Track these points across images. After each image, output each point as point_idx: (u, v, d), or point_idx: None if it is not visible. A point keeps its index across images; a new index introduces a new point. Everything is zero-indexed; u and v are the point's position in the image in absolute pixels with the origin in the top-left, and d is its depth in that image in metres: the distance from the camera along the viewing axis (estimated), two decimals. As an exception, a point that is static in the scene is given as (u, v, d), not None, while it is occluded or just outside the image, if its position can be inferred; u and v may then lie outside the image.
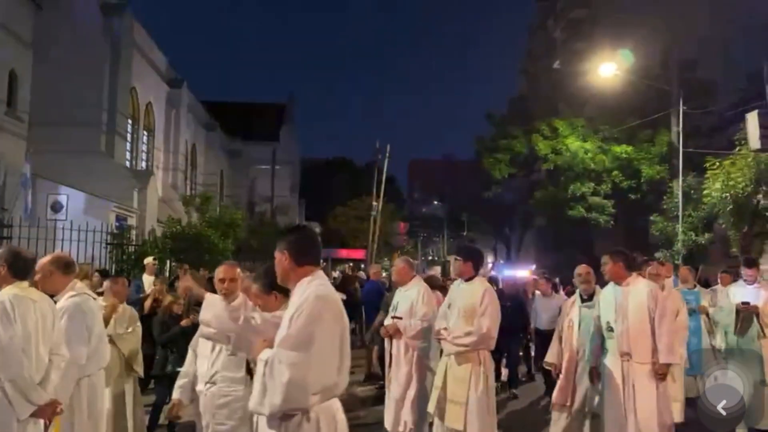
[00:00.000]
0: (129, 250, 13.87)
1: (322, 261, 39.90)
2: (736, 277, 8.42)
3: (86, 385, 4.24)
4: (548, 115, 24.24)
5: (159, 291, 8.40)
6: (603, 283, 5.47)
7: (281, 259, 2.87)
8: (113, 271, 13.23)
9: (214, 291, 4.21)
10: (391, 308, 6.31)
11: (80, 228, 12.30)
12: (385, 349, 6.48)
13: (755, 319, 6.04)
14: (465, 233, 48.72)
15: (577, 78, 25.19)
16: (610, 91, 20.86)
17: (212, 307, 3.28)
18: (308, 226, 3.25)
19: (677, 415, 5.68)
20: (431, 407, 5.31)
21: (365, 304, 11.49)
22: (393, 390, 5.95)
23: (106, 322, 5.23)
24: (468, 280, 5.35)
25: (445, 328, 5.25)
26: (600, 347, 5.18)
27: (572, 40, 35.18)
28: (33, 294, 3.74)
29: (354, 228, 42.30)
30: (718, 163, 15.64)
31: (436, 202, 58.34)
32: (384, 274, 14.39)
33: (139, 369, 5.49)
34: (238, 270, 4.22)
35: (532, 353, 10.11)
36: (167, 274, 13.04)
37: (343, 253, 39.45)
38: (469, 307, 5.15)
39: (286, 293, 3.10)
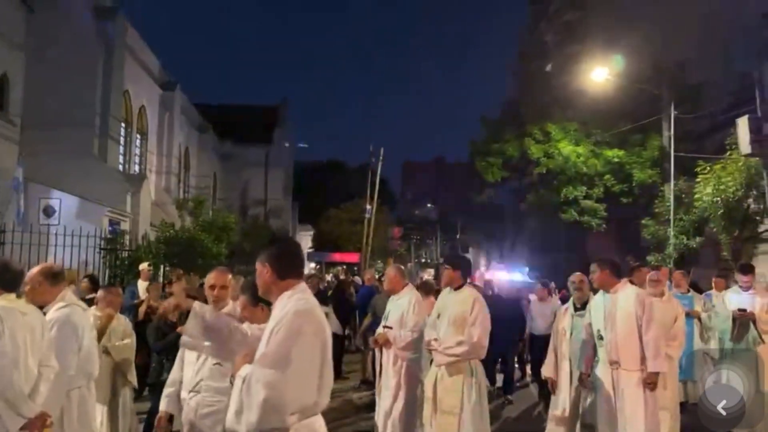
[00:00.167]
0: (122, 256, 13.83)
1: (316, 264, 40.01)
2: (728, 281, 8.50)
3: (76, 396, 4.22)
4: (540, 118, 24.31)
5: (153, 298, 8.41)
6: (596, 290, 5.50)
7: (263, 271, 2.82)
8: (107, 276, 13.22)
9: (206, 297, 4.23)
10: (383, 317, 6.32)
11: (74, 233, 12.25)
12: (376, 357, 6.48)
13: (752, 326, 6.09)
14: (458, 236, 48.85)
15: (570, 81, 25.30)
16: (602, 95, 20.98)
17: (196, 317, 3.23)
18: (291, 239, 3.21)
19: (667, 426, 5.64)
20: (425, 418, 5.28)
21: (360, 309, 11.52)
22: (382, 400, 5.95)
23: (102, 333, 5.23)
24: (457, 288, 5.34)
25: (436, 339, 5.21)
26: (592, 356, 5.20)
27: (564, 43, 35.26)
28: (21, 306, 3.72)
29: (347, 231, 42.30)
30: (709, 168, 15.79)
31: (429, 205, 58.46)
32: (377, 276, 14.41)
33: (133, 379, 5.49)
34: (229, 277, 4.20)
35: (527, 359, 10.13)
36: (161, 279, 13.01)
37: (337, 256, 39.45)
38: (459, 316, 5.13)
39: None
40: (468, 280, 5.68)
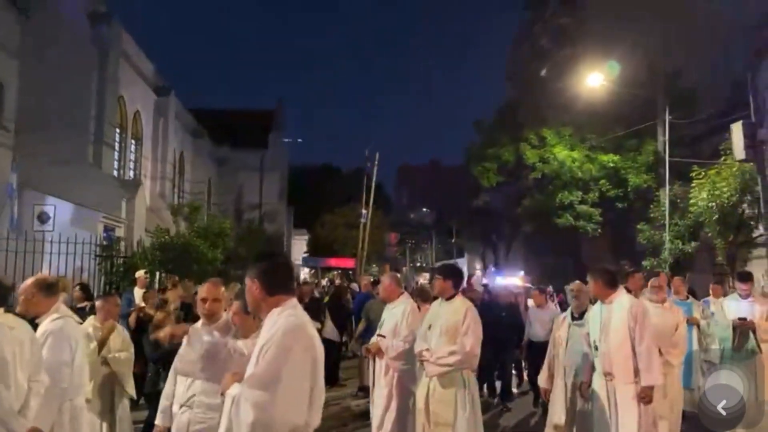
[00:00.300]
0: (118, 263, 13.77)
1: (311, 269, 39.88)
2: (724, 286, 8.51)
3: (68, 409, 4.19)
4: (535, 122, 24.39)
5: (150, 306, 8.38)
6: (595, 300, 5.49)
7: (252, 287, 2.78)
8: (102, 283, 13.15)
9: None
10: (378, 326, 6.30)
11: (69, 241, 12.18)
12: (370, 366, 6.46)
13: (751, 335, 6.09)
14: (453, 240, 48.87)
15: (565, 86, 25.39)
16: (597, 100, 21.06)
17: (193, 344, 3.23)
18: (281, 254, 3.14)
19: None
20: (417, 430, 5.23)
21: (356, 315, 11.50)
22: (375, 409, 5.93)
23: (103, 344, 5.20)
24: (449, 298, 5.31)
25: (428, 349, 5.16)
26: (591, 366, 5.19)
27: (559, 48, 35.40)
28: (10, 320, 3.69)
29: (343, 235, 42.26)
30: (703, 173, 15.86)
31: (424, 210, 58.48)
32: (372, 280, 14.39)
33: (131, 390, 5.47)
34: (222, 289, 4.13)
35: (524, 366, 10.09)
36: (156, 285, 12.95)
37: (333, 262, 39.40)
38: (451, 326, 5.11)
39: None
40: (462, 287, 5.66)
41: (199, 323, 4.04)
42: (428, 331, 5.27)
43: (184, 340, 3.46)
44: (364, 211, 31.59)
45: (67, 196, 16.08)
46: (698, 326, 7.17)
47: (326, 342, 11.24)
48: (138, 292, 9.87)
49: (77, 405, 4.29)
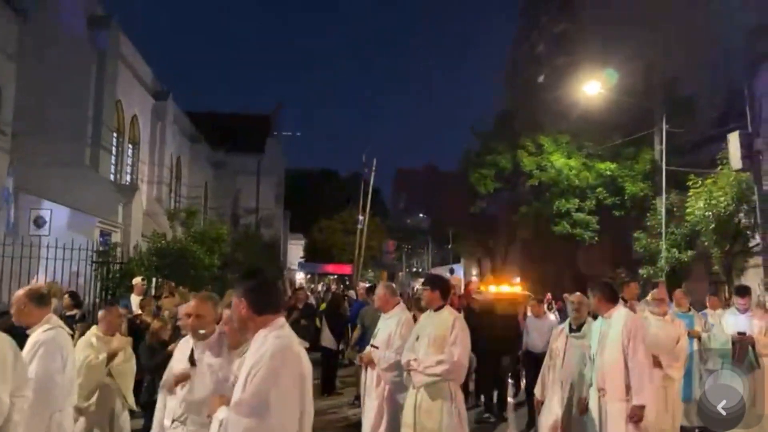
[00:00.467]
0: (114, 268, 13.71)
1: (307, 275, 39.82)
2: (719, 295, 8.51)
3: (57, 420, 4.19)
4: (532, 129, 24.47)
5: (147, 313, 8.36)
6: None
7: (239, 306, 2.72)
8: (98, 289, 13.08)
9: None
10: (372, 335, 6.28)
11: (65, 246, 12.11)
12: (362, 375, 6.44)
13: (750, 349, 6.09)
14: (449, 245, 48.86)
15: (562, 93, 25.47)
16: (594, 108, 21.14)
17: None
18: (266, 272, 3.04)
19: None
20: None
21: (353, 323, 11.47)
22: (365, 421, 5.92)
23: (113, 356, 5.24)
24: (437, 309, 5.31)
25: (415, 359, 5.15)
26: (589, 380, 5.18)
27: (556, 54, 35.52)
28: None
29: (340, 240, 42.23)
30: (700, 182, 15.93)
31: (421, 215, 58.53)
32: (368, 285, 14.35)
33: (132, 401, 5.47)
34: (209, 305, 4.02)
35: (523, 375, 10.04)
36: (153, 291, 12.90)
37: (330, 268, 39.35)
38: (439, 336, 5.09)
39: None
40: (459, 294, 5.64)
41: (188, 337, 4.01)
42: (416, 342, 5.26)
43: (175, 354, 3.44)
44: (361, 217, 31.59)
45: (63, 200, 16.02)
46: (699, 339, 7.15)
47: (324, 351, 11.29)
48: (135, 299, 9.82)
49: (65, 415, 4.30)
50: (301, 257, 46.99)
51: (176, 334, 6.05)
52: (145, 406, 6.33)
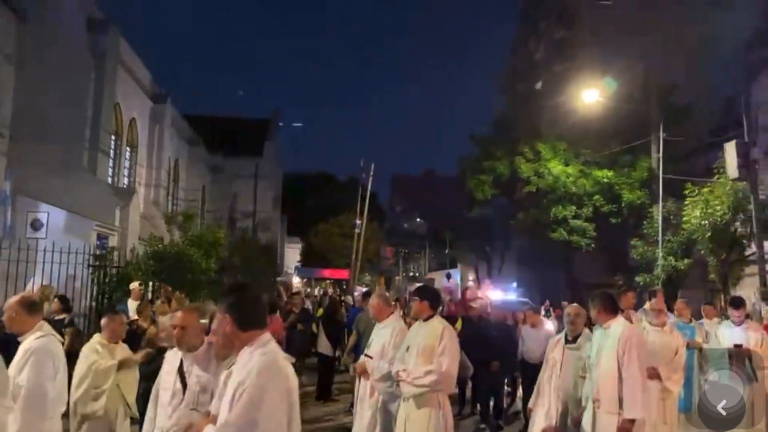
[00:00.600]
0: (111, 272, 13.69)
1: (304, 279, 39.79)
2: (715, 304, 8.50)
3: (47, 428, 4.18)
4: (530, 135, 24.56)
5: (144, 318, 8.35)
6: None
7: (223, 323, 2.69)
8: (95, 293, 13.06)
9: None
10: (366, 345, 6.28)
11: (62, 249, 12.10)
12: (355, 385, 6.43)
13: (747, 362, 6.08)
14: (446, 251, 48.89)
15: (560, 100, 25.54)
16: (592, 115, 21.22)
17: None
18: (250, 287, 3.01)
19: None
20: None
21: (350, 329, 11.46)
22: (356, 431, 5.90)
23: (123, 364, 5.26)
24: (426, 319, 5.31)
25: (404, 369, 5.16)
26: (587, 390, 5.18)
27: (554, 61, 35.58)
28: None
29: (338, 245, 42.20)
30: (697, 191, 15.99)
31: (418, 220, 58.51)
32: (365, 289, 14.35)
33: (135, 410, 5.49)
34: (195, 317, 3.98)
35: (520, 384, 10.00)
36: (150, 295, 12.88)
37: (326, 273, 39.33)
38: (428, 346, 5.10)
39: None
40: (439, 308, 5.67)
41: (176, 349, 3.98)
42: (406, 352, 5.27)
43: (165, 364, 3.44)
44: (358, 222, 31.62)
45: (60, 203, 15.96)
46: (700, 350, 7.10)
47: (320, 357, 11.27)
48: (132, 304, 9.83)
49: (55, 422, 4.31)
50: (298, 261, 46.93)
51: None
52: (141, 414, 6.33)
